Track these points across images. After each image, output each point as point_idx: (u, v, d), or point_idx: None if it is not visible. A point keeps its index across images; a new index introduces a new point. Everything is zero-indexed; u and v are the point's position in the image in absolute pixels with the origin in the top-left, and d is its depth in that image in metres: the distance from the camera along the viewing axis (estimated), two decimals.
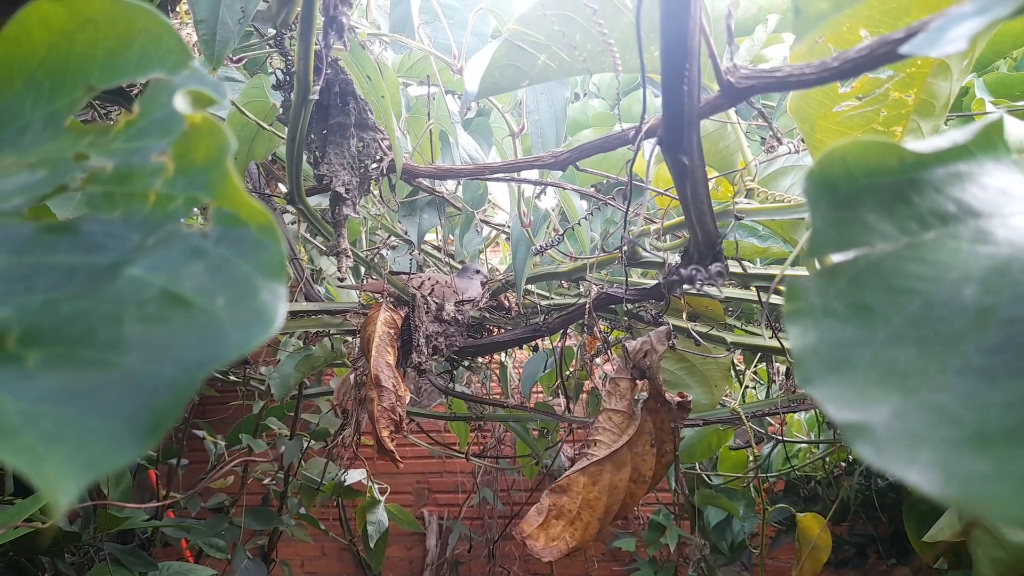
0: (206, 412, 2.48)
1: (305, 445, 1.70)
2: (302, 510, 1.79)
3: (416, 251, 1.25)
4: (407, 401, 0.92)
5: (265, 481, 1.82)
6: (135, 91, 0.68)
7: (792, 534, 1.33)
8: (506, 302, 1.15)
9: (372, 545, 1.76)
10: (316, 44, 0.63)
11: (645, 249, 0.85)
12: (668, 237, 0.85)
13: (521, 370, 1.43)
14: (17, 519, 0.86)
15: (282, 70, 0.73)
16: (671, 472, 1.41)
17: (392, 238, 1.24)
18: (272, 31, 0.72)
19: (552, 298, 1.22)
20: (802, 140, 0.69)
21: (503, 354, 1.62)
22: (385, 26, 0.99)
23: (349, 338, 1.28)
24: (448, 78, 0.91)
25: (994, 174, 0.21)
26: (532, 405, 1.33)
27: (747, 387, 1.59)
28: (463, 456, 1.77)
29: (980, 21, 0.22)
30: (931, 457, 0.14)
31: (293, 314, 1.04)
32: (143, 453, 0.16)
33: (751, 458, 1.67)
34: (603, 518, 0.76)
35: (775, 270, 0.80)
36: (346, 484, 1.79)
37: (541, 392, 1.72)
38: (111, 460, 0.16)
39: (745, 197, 0.74)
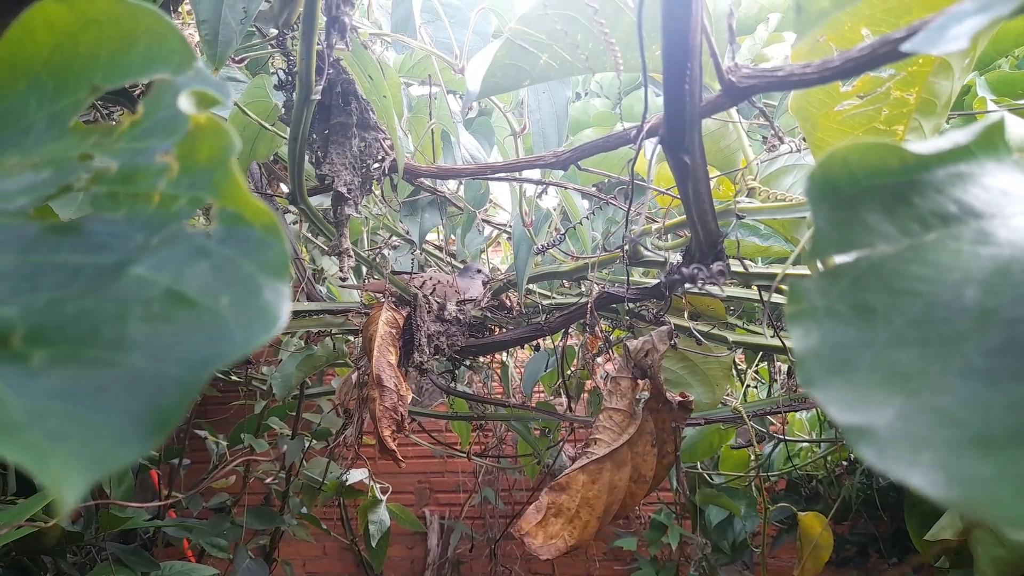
0: (208, 412, 2.48)
1: (307, 445, 1.70)
2: (304, 510, 1.79)
3: (418, 251, 1.25)
4: (409, 401, 0.93)
5: (267, 481, 1.82)
6: (138, 91, 0.68)
7: (794, 533, 1.33)
8: (508, 301, 1.15)
9: (374, 545, 1.76)
10: (318, 44, 0.63)
11: (647, 248, 0.85)
12: (670, 236, 0.85)
13: (523, 369, 1.43)
14: (20, 518, 0.86)
15: (284, 70, 0.73)
16: (672, 471, 1.41)
17: (394, 238, 1.24)
18: (274, 31, 0.72)
19: (554, 297, 1.22)
20: (803, 139, 0.69)
21: (505, 353, 1.62)
22: (387, 26, 0.99)
23: (351, 338, 1.28)
24: (450, 78, 0.91)
25: (995, 174, 0.21)
26: (534, 404, 1.33)
27: (749, 386, 1.59)
28: (465, 455, 1.77)
29: (981, 19, 0.22)
30: (933, 459, 0.14)
31: (295, 314, 1.05)
32: (148, 451, 0.16)
33: (753, 457, 1.67)
34: (602, 517, 0.76)
35: (777, 269, 0.80)
36: (348, 484, 1.80)
37: (543, 391, 1.72)
38: (116, 458, 0.16)
39: (747, 196, 0.74)
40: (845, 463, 1.67)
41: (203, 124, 0.20)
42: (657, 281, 0.81)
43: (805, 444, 1.72)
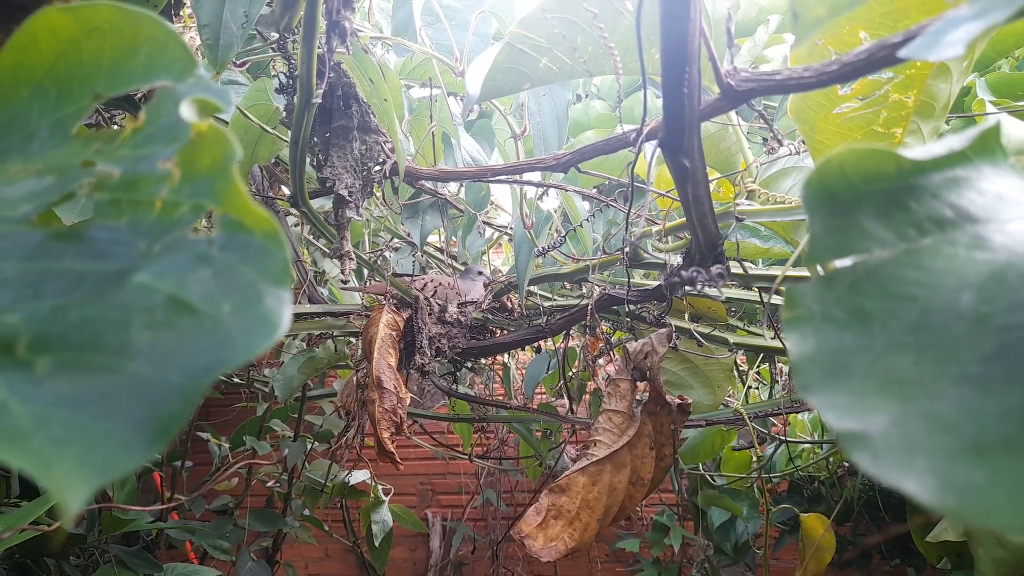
0: (210, 414, 2.49)
1: (309, 447, 1.70)
2: (306, 512, 1.79)
3: (419, 253, 1.25)
4: (408, 403, 0.93)
5: (269, 483, 1.82)
6: (139, 96, 0.69)
7: (796, 534, 1.33)
8: (509, 303, 1.15)
9: (376, 546, 1.76)
10: (319, 48, 0.63)
11: (647, 250, 0.85)
12: (670, 238, 0.86)
13: (524, 371, 1.43)
14: (24, 522, 0.86)
15: (285, 74, 0.73)
16: (673, 473, 1.40)
17: (395, 240, 1.25)
18: (275, 35, 0.72)
19: (555, 299, 1.22)
20: (803, 141, 0.69)
21: (506, 355, 1.62)
22: (387, 29, 0.99)
23: (352, 340, 1.28)
24: (450, 80, 0.91)
25: (991, 179, 0.21)
26: (535, 406, 1.33)
27: (750, 387, 1.59)
28: (466, 457, 1.77)
29: (978, 25, 0.22)
30: (927, 466, 0.14)
31: (297, 316, 1.05)
32: (151, 457, 0.17)
33: (754, 459, 1.67)
34: (602, 519, 0.76)
35: (777, 271, 0.80)
36: (350, 485, 1.80)
37: (544, 393, 1.72)
38: (120, 464, 0.16)
39: (746, 198, 0.75)
40: (847, 464, 1.67)
41: (205, 132, 0.21)
42: (657, 283, 0.81)
43: (807, 445, 1.71)
